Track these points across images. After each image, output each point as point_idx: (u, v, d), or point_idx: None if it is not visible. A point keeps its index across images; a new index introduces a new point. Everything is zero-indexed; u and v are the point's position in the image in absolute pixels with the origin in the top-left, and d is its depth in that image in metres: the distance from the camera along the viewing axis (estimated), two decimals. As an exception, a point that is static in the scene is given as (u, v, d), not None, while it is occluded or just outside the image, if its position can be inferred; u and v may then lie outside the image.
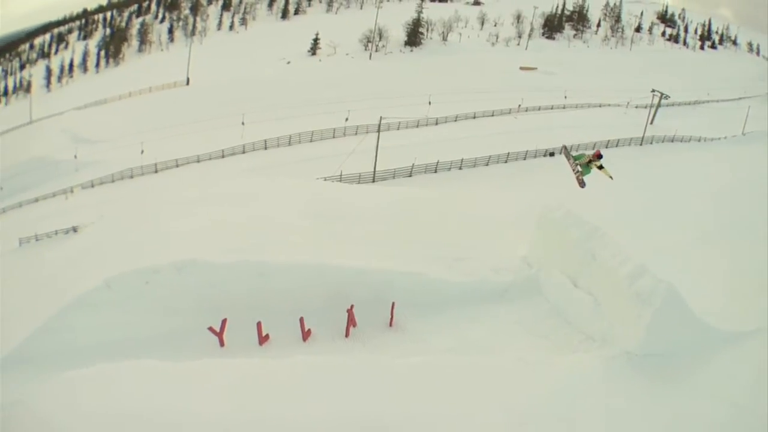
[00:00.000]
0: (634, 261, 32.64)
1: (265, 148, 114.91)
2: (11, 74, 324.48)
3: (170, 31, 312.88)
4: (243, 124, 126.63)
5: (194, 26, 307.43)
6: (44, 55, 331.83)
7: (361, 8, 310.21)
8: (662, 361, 29.38)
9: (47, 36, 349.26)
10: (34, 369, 34.47)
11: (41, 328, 37.41)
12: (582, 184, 39.40)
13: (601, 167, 38.80)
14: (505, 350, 31.71)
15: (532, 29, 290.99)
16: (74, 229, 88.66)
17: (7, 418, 29.70)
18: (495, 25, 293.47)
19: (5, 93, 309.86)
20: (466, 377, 28.26)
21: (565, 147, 44.05)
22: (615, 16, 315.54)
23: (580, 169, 39.16)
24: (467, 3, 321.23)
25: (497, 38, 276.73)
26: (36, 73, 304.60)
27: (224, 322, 34.41)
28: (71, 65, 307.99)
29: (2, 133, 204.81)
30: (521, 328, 34.50)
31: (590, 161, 39.01)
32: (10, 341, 37.88)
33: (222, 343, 34.69)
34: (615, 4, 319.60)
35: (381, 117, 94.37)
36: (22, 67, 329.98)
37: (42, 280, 47.46)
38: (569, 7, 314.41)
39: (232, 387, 28.34)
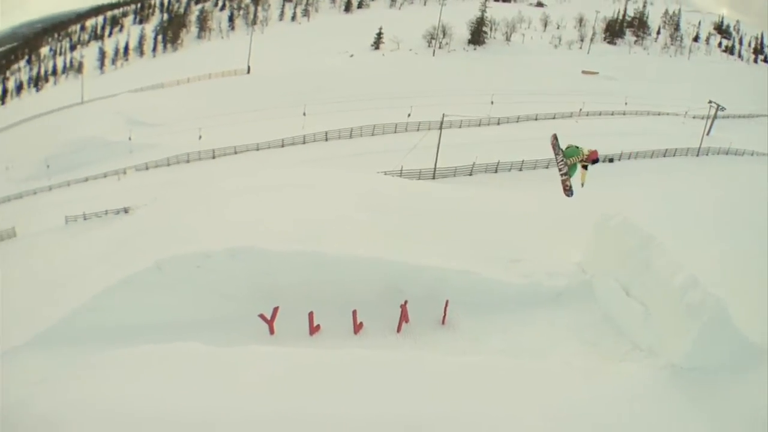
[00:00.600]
0: (687, 272, 31.70)
1: (326, 140, 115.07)
2: (60, 54, 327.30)
3: (231, 19, 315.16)
4: (304, 114, 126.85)
5: (255, 15, 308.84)
6: (97, 37, 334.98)
7: (425, 5, 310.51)
8: (705, 376, 28.87)
9: (99, 18, 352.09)
10: (74, 347, 34.59)
11: (84, 305, 37.65)
12: (569, 191, 34.80)
13: (585, 168, 34.20)
14: (554, 355, 31.24)
15: (594, 33, 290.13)
16: (125, 210, 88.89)
17: (42, 393, 29.78)
18: (558, 28, 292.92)
19: (54, 72, 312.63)
20: (513, 379, 27.94)
21: (555, 136, 34.76)
22: (674, 25, 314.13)
23: (567, 170, 34.14)
24: (530, 4, 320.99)
25: (560, 41, 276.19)
26: (88, 54, 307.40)
27: (275, 310, 34.14)
28: (126, 48, 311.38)
29: (51, 112, 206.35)
30: (571, 333, 33.91)
31: (582, 161, 33.88)
32: (50, 318, 38.15)
33: (272, 331, 34.43)
34: (674, 12, 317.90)
35: (443, 114, 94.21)
36: (72, 47, 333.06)
37: (89, 259, 47.41)
38: (630, 13, 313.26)
39: (280, 375, 28.10)
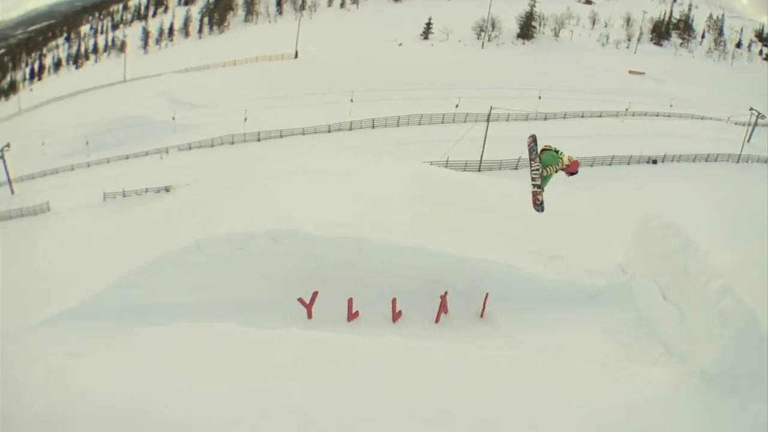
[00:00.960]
0: (723, 279, 31.26)
1: (373, 127, 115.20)
2: (102, 33, 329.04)
3: (279, 3, 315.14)
4: (351, 101, 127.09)
5: (304, 1, 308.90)
6: (140, 17, 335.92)
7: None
8: (734, 384, 28.62)
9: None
10: (107, 322, 35.10)
11: (121, 281, 37.94)
12: (539, 206, 30.76)
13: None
14: (588, 354, 31.06)
15: (641, 33, 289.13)
16: (166, 189, 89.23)
17: (72, 366, 29.98)
18: (605, 26, 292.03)
19: (95, 51, 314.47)
20: (546, 376, 27.86)
21: (533, 138, 30.67)
22: (717, 30, 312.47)
23: (540, 182, 30.19)
24: (579, 1, 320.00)
25: (607, 39, 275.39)
26: (131, 34, 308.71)
27: (315, 294, 34.26)
28: (171, 29, 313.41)
29: (92, 89, 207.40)
30: (607, 334, 33.69)
31: (562, 170, 29.79)
32: (85, 292, 38.49)
33: (310, 316, 34.53)
34: (717, 17, 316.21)
35: (491, 107, 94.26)
36: (114, 27, 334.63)
37: (127, 236, 47.92)
38: (675, 15, 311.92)
39: (316, 359, 28.22)
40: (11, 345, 36.09)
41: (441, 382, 26.94)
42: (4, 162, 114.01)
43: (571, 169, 29.32)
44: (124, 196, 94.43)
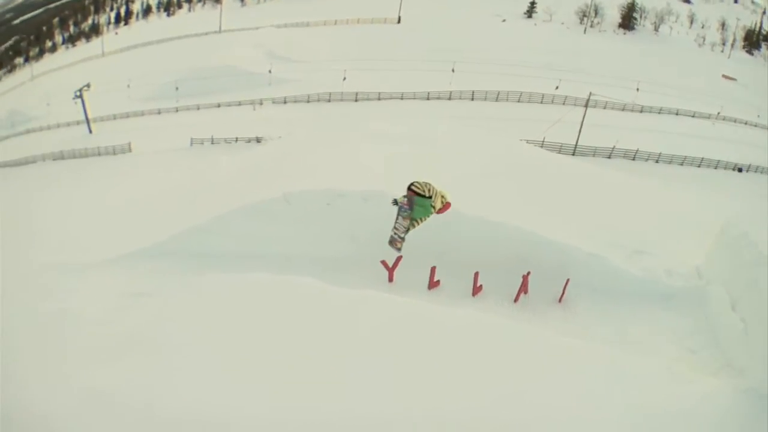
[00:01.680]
0: None
1: (472, 99, 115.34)
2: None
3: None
4: (453, 71, 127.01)
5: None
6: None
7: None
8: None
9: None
10: (183, 265, 35.85)
11: (201, 226, 38.77)
12: (396, 243, 30.23)
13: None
14: (656, 356, 30.91)
15: (734, 40, 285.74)
16: (258, 140, 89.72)
17: (136, 307, 30.53)
18: (702, 27, 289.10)
19: (188, 0, 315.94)
20: (614, 373, 27.35)
21: (410, 199, 29.14)
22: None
23: (403, 235, 29.50)
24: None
25: (704, 40, 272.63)
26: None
27: (399, 259, 34.49)
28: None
29: (185, 37, 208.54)
30: (675, 337, 33.12)
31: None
32: (162, 233, 39.42)
33: (391, 279, 34.92)
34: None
35: (590, 93, 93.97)
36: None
37: (211, 182, 48.65)
38: (765, 27, 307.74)
39: (394, 323, 28.48)
40: (75, 280, 36.93)
41: (511, 362, 26.94)
42: (83, 101, 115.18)
43: (442, 212, 28.93)
44: (212, 143, 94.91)
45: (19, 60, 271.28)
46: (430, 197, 28.00)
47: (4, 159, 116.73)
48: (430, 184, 27.40)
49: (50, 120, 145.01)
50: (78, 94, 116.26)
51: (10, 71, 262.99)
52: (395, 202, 27.26)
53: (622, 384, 27.14)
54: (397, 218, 30.19)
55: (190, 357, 26.52)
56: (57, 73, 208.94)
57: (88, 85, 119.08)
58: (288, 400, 24.48)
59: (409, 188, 27.44)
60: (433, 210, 28.33)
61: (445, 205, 28.04)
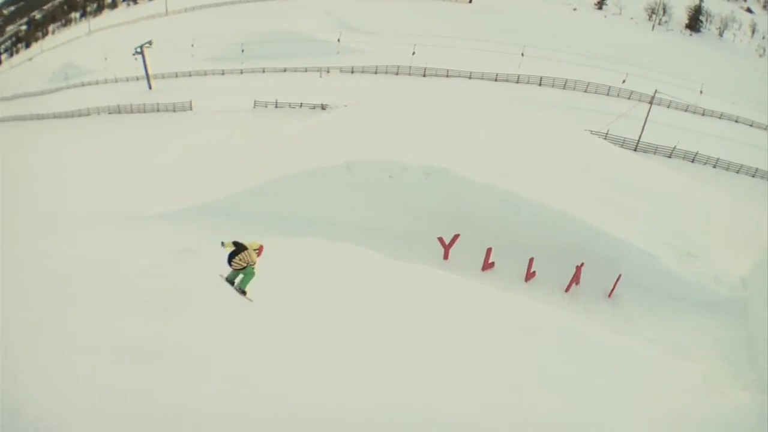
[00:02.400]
0: None
1: (540, 85, 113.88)
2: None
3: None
4: (522, 55, 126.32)
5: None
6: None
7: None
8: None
9: None
10: (238, 224, 35.72)
11: (260, 187, 38.78)
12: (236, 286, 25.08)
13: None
14: (694, 361, 30.95)
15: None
16: (323, 107, 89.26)
17: (184, 263, 31.48)
18: (763, 38, 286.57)
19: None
20: (652, 374, 27.58)
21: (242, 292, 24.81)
22: None
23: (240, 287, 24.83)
24: (741, 7, 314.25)
25: (764, 51, 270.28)
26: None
27: (456, 237, 34.35)
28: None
29: (252, 0, 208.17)
30: (716, 346, 33.42)
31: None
32: (220, 192, 39.77)
33: (446, 256, 34.67)
34: None
35: (656, 90, 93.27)
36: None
37: (274, 145, 48.64)
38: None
39: (446, 301, 28.35)
40: (129, 233, 37.25)
41: (557, 354, 27.08)
42: (143, 57, 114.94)
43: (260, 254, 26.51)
44: (276, 106, 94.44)
45: (75, 14, 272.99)
46: (247, 267, 25.34)
47: (57, 110, 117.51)
48: (243, 254, 25.34)
49: (107, 74, 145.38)
50: (138, 50, 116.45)
51: (64, 25, 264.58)
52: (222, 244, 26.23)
53: (661, 387, 27.24)
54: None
55: (233, 318, 26.62)
56: (116, 29, 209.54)
57: (149, 42, 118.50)
58: (327, 368, 24.75)
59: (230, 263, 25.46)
60: (252, 272, 24.49)
61: (260, 249, 25.70)
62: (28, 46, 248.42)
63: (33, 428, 22.80)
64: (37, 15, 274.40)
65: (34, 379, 24.82)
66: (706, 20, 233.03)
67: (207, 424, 22.57)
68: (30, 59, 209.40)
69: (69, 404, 23.46)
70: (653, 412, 25.57)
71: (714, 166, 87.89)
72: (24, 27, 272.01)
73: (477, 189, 35.98)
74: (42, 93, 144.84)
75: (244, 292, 24.10)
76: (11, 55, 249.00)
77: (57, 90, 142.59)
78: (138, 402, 23.38)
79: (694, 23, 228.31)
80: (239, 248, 23.20)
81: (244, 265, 23.42)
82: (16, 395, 24.09)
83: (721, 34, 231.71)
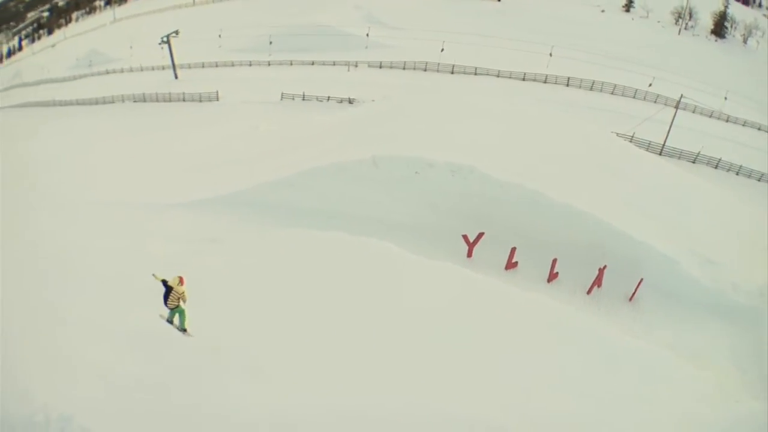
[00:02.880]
0: None
1: (567, 85, 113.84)
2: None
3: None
4: (550, 55, 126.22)
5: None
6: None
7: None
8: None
9: None
10: (260, 216, 36.25)
11: (284, 179, 38.88)
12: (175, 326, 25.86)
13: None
14: (709, 369, 31.08)
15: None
16: (350, 101, 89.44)
17: (206, 252, 31.56)
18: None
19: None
20: (668, 379, 27.57)
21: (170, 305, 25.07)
22: None
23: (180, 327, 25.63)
24: (764, 15, 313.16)
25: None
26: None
27: (480, 235, 34.39)
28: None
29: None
30: (731, 353, 33.45)
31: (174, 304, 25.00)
32: (244, 182, 39.92)
33: (470, 254, 34.67)
34: None
35: (681, 95, 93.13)
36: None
37: (300, 137, 48.66)
38: None
39: (468, 299, 28.45)
40: (154, 221, 37.41)
41: (576, 356, 27.21)
42: (170, 46, 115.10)
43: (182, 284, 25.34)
44: (303, 99, 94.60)
45: (99, 2, 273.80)
46: (177, 308, 24.73)
47: (81, 97, 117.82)
48: (172, 293, 25.03)
49: (132, 63, 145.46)
50: (165, 39, 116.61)
51: (88, 12, 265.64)
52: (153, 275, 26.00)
53: (676, 392, 27.29)
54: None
55: (251, 310, 27.18)
56: (142, 18, 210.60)
57: (176, 32, 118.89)
58: (343, 364, 24.88)
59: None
60: (184, 315, 25.24)
61: (181, 281, 25.37)
62: (50, 32, 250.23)
63: (44, 414, 22.95)
64: (60, 2, 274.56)
65: (46, 365, 25.15)
66: (731, 26, 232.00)
67: (219, 421, 22.79)
68: (53, 46, 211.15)
69: (82, 391, 23.79)
70: (666, 418, 25.71)
71: (737, 173, 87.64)
72: (46, 13, 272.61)
73: (503, 187, 36.05)
74: (65, 80, 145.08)
75: (185, 330, 24.68)
76: (32, 41, 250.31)
77: (81, 77, 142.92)
78: (151, 392, 23.73)
79: (720, 29, 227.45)
80: (167, 288, 23.81)
81: (176, 303, 24.44)
82: (29, 380, 24.35)
83: (745, 41, 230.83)
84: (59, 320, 27.49)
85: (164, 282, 23.39)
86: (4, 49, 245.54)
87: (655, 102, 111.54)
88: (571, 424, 24.06)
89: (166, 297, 23.73)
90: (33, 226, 38.39)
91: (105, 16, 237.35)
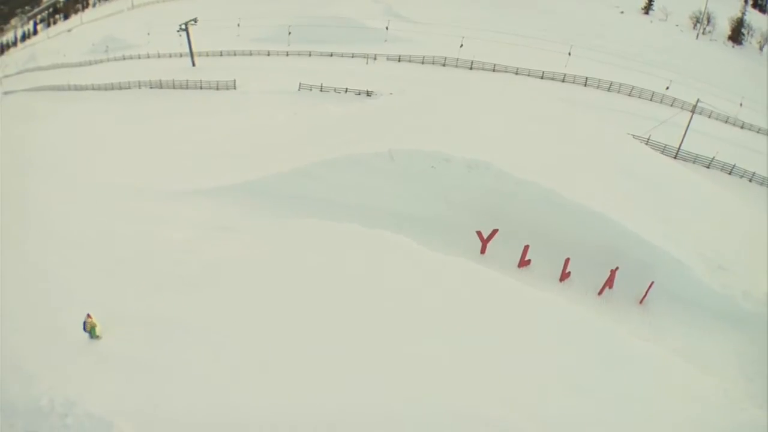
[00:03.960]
0: None
1: (585, 85, 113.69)
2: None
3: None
4: (569, 54, 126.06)
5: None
6: None
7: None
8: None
9: None
10: (274, 207, 36.34)
11: (300, 169, 38.92)
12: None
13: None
14: (717, 376, 31.19)
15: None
16: (368, 93, 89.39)
17: (218, 240, 31.65)
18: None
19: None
20: (675, 385, 27.77)
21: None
22: None
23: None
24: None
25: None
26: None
27: (494, 232, 34.39)
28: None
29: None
30: (738, 361, 33.60)
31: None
32: (260, 171, 40.04)
33: (483, 251, 34.66)
34: None
35: (698, 99, 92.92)
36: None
37: (317, 128, 48.82)
38: None
39: (481, 295, 28.52)
40: (165, 207, 37.53)
41: (582, 354, 27.38)
42: (188, 34, 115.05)
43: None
44: (321, 90, 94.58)
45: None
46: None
47: (97, 82, 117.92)
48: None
49: (149, 49, 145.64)
50: (183, 27, 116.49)
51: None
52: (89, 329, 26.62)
53: (682, 397, 27.42)
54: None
55: (263, 300, 27.30)
56: (161, 5, 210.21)
57: (194, 20, 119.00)
58: (353, 360, 24.99)
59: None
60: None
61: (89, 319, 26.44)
62: (66, 17, 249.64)
63: (48, 398, 23.40)
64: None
65: (52, 351, 25.65)
66: (748, 33, 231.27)
67: (226, 410, 23.00)
68: (69, 30, 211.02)
69: (86, 375, 24.27)
70: (670, 421, 25.89)
71: (750, 180, 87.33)
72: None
73: (518, 185, 36.10)
74: (80, 65, 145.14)
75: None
76: (48, 25, 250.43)
77: (97, 62, 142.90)
78: (161, 377, 24.04)
79: (737, 35, 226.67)
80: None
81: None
82: (34, 365, 24.82)
83: (761, 48, 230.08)
84: (73, 303, 27.79)
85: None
86: (19, 33, 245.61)
87: (671, 105, 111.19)
88: (576, 424, 24.23)
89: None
90: (46, 209, 38.55)
91: (123, 2, 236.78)
